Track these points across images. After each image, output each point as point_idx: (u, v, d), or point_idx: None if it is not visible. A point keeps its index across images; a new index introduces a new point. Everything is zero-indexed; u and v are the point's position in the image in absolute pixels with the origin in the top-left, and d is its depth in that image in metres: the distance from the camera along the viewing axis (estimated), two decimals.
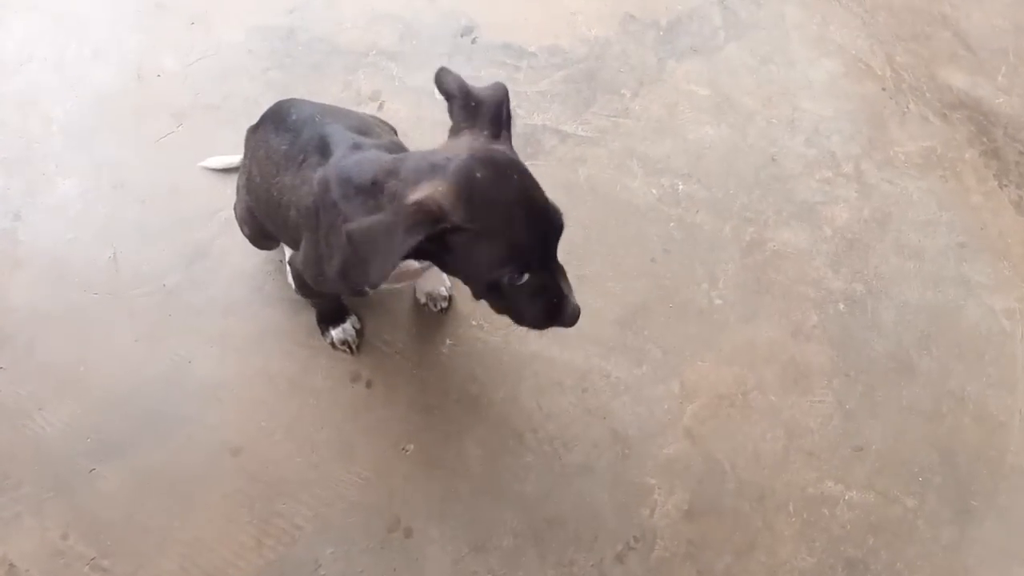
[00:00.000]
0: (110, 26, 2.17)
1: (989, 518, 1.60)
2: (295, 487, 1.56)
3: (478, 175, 1.03)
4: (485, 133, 1.11)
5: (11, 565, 1.47)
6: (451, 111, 1.17)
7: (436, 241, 1.03)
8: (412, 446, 1.62)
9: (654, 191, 1.98)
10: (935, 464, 1.65)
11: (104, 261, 1.79)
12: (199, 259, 1.80)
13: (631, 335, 1.77)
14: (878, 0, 2.38)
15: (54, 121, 2.00)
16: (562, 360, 1.72)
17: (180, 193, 1.89)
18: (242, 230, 1.64)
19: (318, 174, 1.22)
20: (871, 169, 2.07)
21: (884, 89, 2.24)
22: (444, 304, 1.75)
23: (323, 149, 1.28)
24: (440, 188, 1.03)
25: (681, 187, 2.00)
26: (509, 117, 1.15)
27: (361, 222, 1.05)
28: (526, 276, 1.08)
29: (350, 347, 1.69)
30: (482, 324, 1.75)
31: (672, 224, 1.93)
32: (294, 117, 1.40)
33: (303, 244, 1.35)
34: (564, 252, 1.83)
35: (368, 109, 2.00)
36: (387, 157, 1.18)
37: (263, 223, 1.54)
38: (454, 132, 1.15)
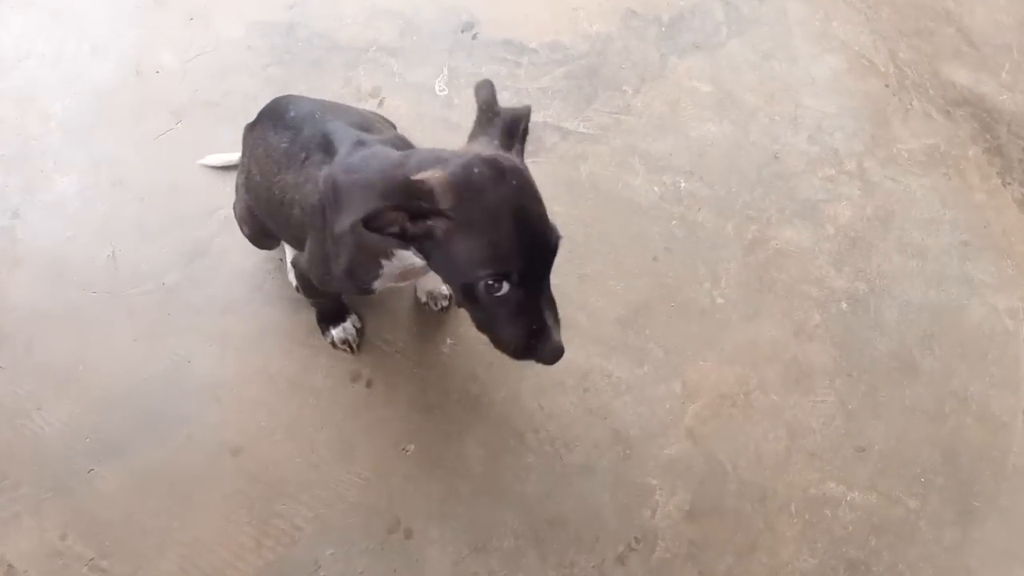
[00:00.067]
0: (109, 22, 2.16)
1: (991, 519, 1.59)
2: (295, 487, 1.55)
3: (476, 170, 1.03)
4: (496, 143, 1.10)
5: (9, 566, 1.47)
6: (476, 120, 1.16)
7: (421, 223, 1.03)
8: (412, 446, 1.61)
9: (656, 189, 1.97)
10: (937, 465, 1.64)
11: (103, 259, 1.78)
12: (198, 257, 1.79)
13: (633, 334, 1.76)
14: None
15: (52, 118, 1.99)
16: (563, 360, 1.70)
17: (179, 191, 1.88)
18: (241, 229, 1.63)
19: (323, 172, 1.21)
20: (874, 166, 2.06)
21: (887, 86, 2.22)
22: (445, 303, 1.74)
23: (326, 146, 1.27)
24: (437, 175, 1.04)
25: (683, 185, 1.98)
26: (525, 134, 1.13)
27: (350, 172, 1.10)
28: (506, 287, 1.04)
29: (350, 346, 1.68)
30: None
31: (674, 222, 1.92)
32: (292, 114, 1.39)
33: (309, 243, 1.34)
34: (566, 251, 1.83)
35: (368, 105, 1.99)
36: (395, 153, 1.16)
37: (264, 222, 1.53)
38: (471, 139, 1.15)
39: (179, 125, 1.99)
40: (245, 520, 1.52)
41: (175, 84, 2.06)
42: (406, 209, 1.01)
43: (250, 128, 1.50)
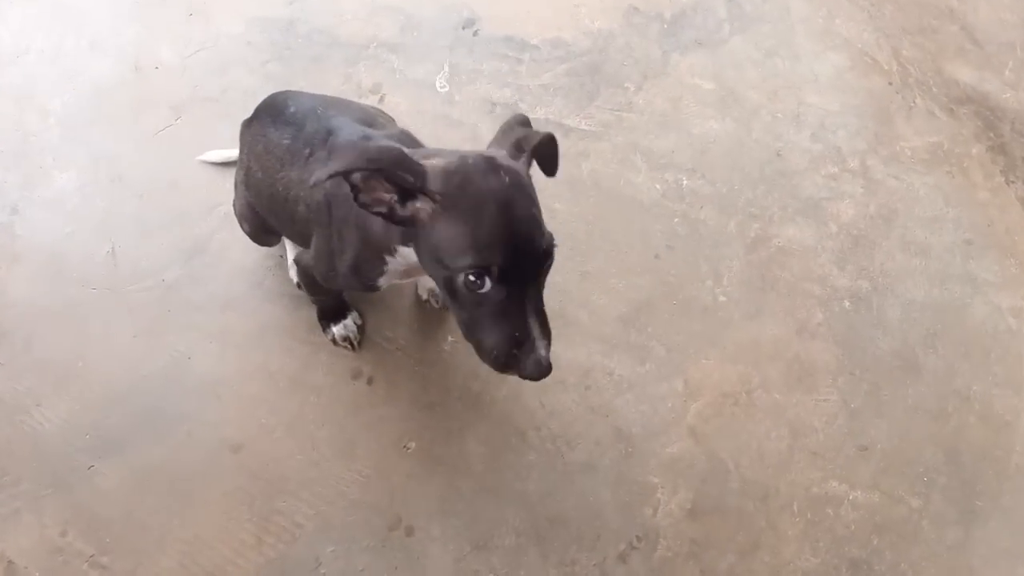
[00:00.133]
0: (108, 17, 2.15)
1: (994, 518, 1.59)
2: (295, 485, 1.55)
3: (470, 161, 1.04)
4: (503, 152, 1.10)
5: (9, 562, 1.46)
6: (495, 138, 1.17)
7: (410, 205, 1.03)
8: (413, 444, 1.60)
9: (658, 186, 1.97)
10: (940, 464, 1.63)
11: (102, 256, 1.78)
12: (198, 254, 1.79)
13: (635, 332, 1.75)
14: None
15: (51, 114, 1.98)
16: (565, 357, 1.71)
17: (179, 187, 1.87)
18: (242, 226, 1.63)
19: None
20: (877, 165, 2.05)
21: (890, 83, 2.21)
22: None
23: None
24: (434, 161, 1.05)
25: (685, 182, 1.98)
26: (534, 153, 1.11)
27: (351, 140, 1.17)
28: (488, 284, 1.01)
29: (351, 343, 1.67)
30: None
31: (676, 220, 1.91)
32: (293, 110, 1.38)
33: (314, 240, 1.33)
34: (567, 248, 1.84)
35: (369, 102, 1.98)
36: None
37: (266, 219, 1.53)
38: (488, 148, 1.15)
39: (178, 121, 1.98)
40: (246, 517, 1.51)
41: (174, 80, 2.05)
42: (392, 178, 1.01)
43: (247, 124, 1.49)
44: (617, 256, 1.85)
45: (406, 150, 1.06)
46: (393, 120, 1.58)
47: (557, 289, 1.79)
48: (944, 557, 1.54)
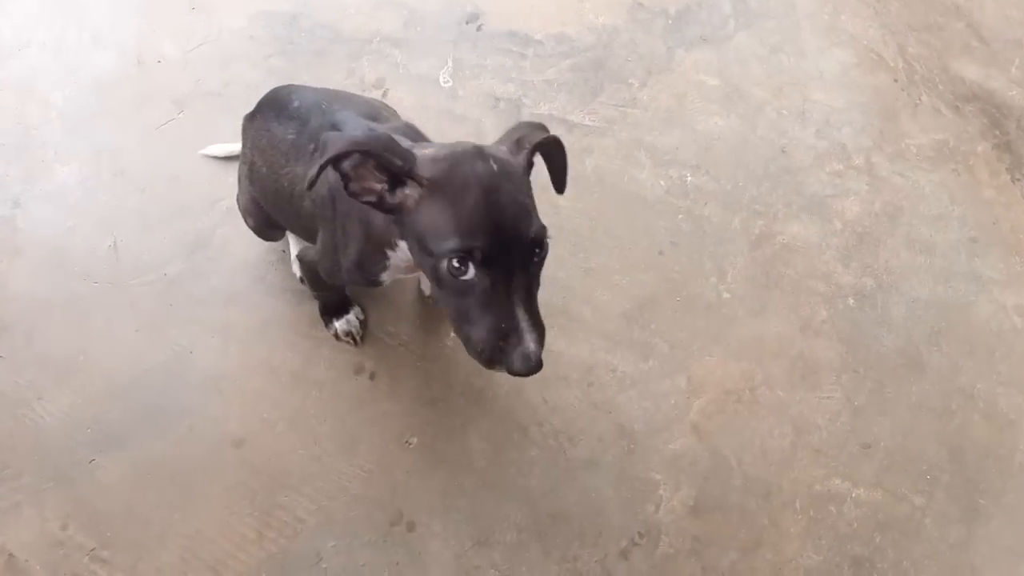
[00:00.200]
0: (110, 11, 2.14)
1: (997, 517, 1.58)
2: (297, 480, 1.54)
3: (460, 150, 1.04)
4: (504, 148, 1.10)
5: (10, 555, 1.46)
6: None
7: (399, 192, 1.03)
8: (416, 439, 1.60)
9: (662, 183, 1.96)
10: (943, 462, 1.63)
11: (104, 250, 1.77)
12: (200, 248, 1.78)
13: (638, 329, 1.74)
14: None
15: (53, 107, 1.97)
16: (568, 354, 1.70)
17: (181, 181, 1.86)
18: (246, 221, 1.62)
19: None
20: (882, 162, 2.04)
21: (896, 80, 2.20)
22: None
23: None
24: (425, 150, 1.05)
25: (690, 179, 1.97)
26: (534, 152, 1.10)
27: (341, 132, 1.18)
28: (471, 271, 0.99)
29: (354, 338, 1.67)
30: None
31: (680, 216, 1.90)
32: (297, 104, 1.37)
33: (320, 235, 1.32)
34: (571, 244, 1.84)
35: (372, 97, 1.97)
36: (406, 143, 1.15)
37: (270, 214, 1.52)
38: None
39: (181, 115, 1.98)
40: (247, 512, 1.51)
41: (177, 74, 2.04)
42: (381, 163, 1.00)
43: (250, 119, 1.49)
44: (621, 252, 1.84)
45: (397, 136, 1.07)
46: (397, 114, 1.57)
47: (560, 285, 1.78)
48: (946, 555, 1.54)
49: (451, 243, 0.99)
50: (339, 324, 1.66)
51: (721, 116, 2.09)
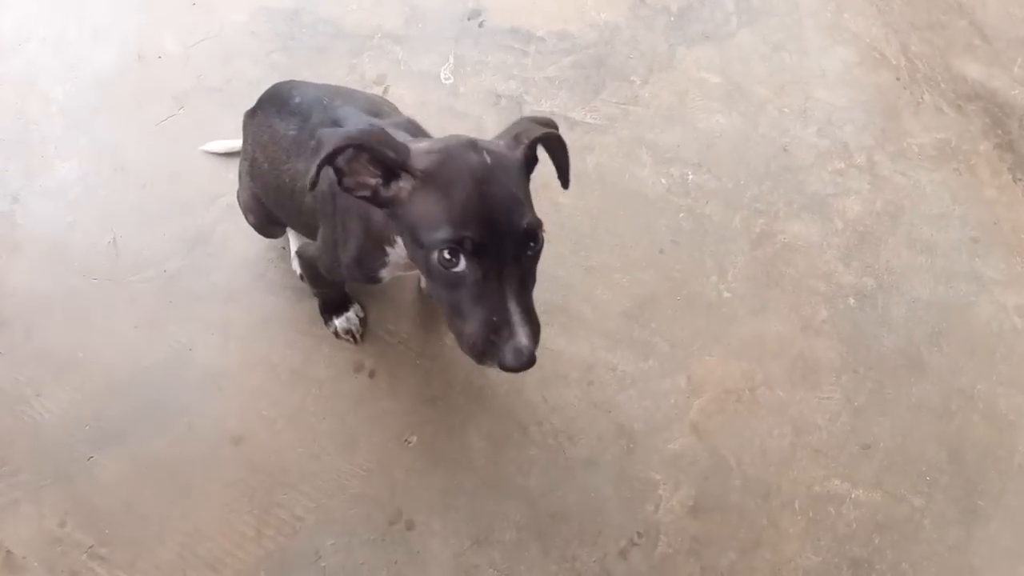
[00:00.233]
0: (111, 6, 2.13)
1: (996, 518, 1.58)
2: (296, 477, 1.54)
3: (453, 142, 1.04)
4: (501, 143, 1.09)
5: (8, 552, 1.46)
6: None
7: (394, 185, 1.03)
8: (415, 438, 1.60)
9: (663, 181, 1.95)
10: (943, 463, 1.63)
11: (104, 246, 1.77)
12: (200, 245, 1.78)
13: (638, 328, 1.74)
14: None
15: (53, 102, 1.97)
16: (568, 352, 1.70)
17: (181, 177, 1.86)
18: (247, 218, 1.61)
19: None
20: (884, 161, 2.03)
21: (898, 79, 2.20)
22: None
23: None
24: (421, 144, 1.06)
25: (691, 177, 1.96)
26: (532, 146, 1.09)
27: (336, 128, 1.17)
28: (463, 262, 0.98)
29: (353, 336, 1.67)
30: None
31: (681, 215, 1.90)
32: (298, 100, 1.37)
33: (320, 231, 1.32)
34: (572, 242, 1.83)
35: (373, 93, 1.97)
36: (406, 138, 1.15)
37: (271, 210, 1.52)
38: None
39: (181, 111, 1.97)
40: (246, 509, 1.51)
41: (178, 70, 2.04)
42: (375, 156, 1.00)
43: (251, 115, 1.48)
44: (621, 251, 1.84)
45: (397, 132, 1.06)
46: (398, 110, 1.57)
47: (561, 283, 1.78)
48: (945, 556, 1.54)
49: (442, 233, 0.98)
50: (339, 322, 1.66)
51: (723, 114, 2.08)
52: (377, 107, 1.37)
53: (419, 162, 1.02)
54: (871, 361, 1.73)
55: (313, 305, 1.69)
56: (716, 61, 2.18)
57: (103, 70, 2.02)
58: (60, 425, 1.57)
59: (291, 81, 1.46)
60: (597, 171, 1.95)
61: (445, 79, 2.08)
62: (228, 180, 1.83)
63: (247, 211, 1.60)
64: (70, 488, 1.51)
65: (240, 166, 1.60)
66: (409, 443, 1.59)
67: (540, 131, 1.10)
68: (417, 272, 1.66)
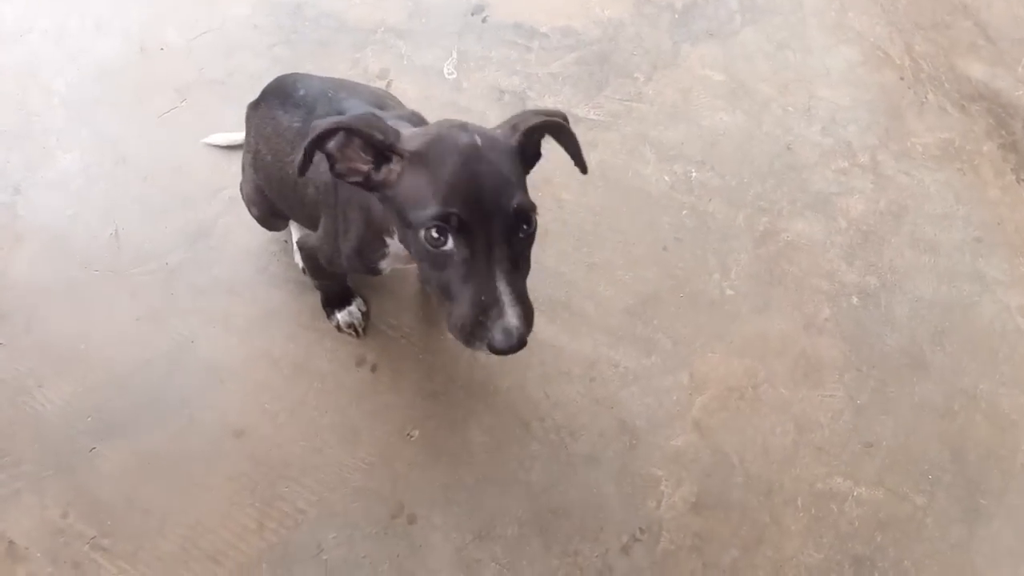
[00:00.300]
0: None
1: (998, 517, 1.58)
2: (298, 471, 1.54)
3: (444, 125, 1.05)
4: (498, 130, 1.09)
5: (10, 542, 1.46)
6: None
7: (384, 169, 1.03)
8: (417, 432, 1.60)
9: (667, 178, 1.95)
10: (945, 462, 1.63)
11: (106, 238, 1.76)
12: (202, 238, 1.77)
13: (641, 324, 1.74)
14: None
15: (55, 94, 1.96)
16: (570, 349, 1.70)
17: (183, 170, 1.85)
18: (250, 210, 1.61)
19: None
20: (888, 160, 2.03)
21: (902, 78, 2.19)
22: None
23: None
24: (416, 130, 1.07)
25: (694, 174, 1.96)
26: (529, 134, 1.09)
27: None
28: (450, 241, 0.98)
29: (356, 330, 1.66)
30: None
31: (684, 212, 1.90)
32: (303, 92, 1.36)
33: (322, 221, 1.32)
34: (575, 239, 1.83)
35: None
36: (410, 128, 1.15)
37: (274, 202, 1.51)
38: None
39: (183, 103, 1.97)
40: (248, 502, 1.51)
41: (180, 62, 2.03)
42: (364, 139, 1.01)
43: (254, 107, 1.48)
44: (624, 248, 1.84)
45: (393, 120, 1.08)
46: (402, 104, 1.56)
47: (564, 280, 1.78)
48: (948, 555, 1.54)
49: (429, 210, 0.98)
50: (341, 316, 1.66)
51: (727, 112, 2.08)
52: (382, 100, 1.37)
53: (408, 144, 1.02)
54: (874, 360, 1.73)
55: (315, 299, 1.69)
56: (720, 59, 2.18)
57: (105, 62, 2.01)
58: (62, 416, 1.57)
59: (295, 73, 1.45)
60: (600, 168, 1.95)
61: (448, 74, 2.08)
62: (230, 173, 1.82)
63: (250, 204, 1.60)
64: (72, 479, 1.51)
65: (243, 158, 1.59)
66: (411, 437, 1.59)
67: (537, 119, 1.09)
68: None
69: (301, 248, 1.50)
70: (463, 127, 1.03)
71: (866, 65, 2.20)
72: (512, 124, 1.09)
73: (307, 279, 1.68)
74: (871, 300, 1.81)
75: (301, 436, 1.57)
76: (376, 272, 1.32)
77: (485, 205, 0.97)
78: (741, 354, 1.72)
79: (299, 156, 1.01)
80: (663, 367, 1.70)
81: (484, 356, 1.66)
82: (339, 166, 1.04)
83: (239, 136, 1.80)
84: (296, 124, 1.33)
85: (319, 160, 1.09)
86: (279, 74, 1.49)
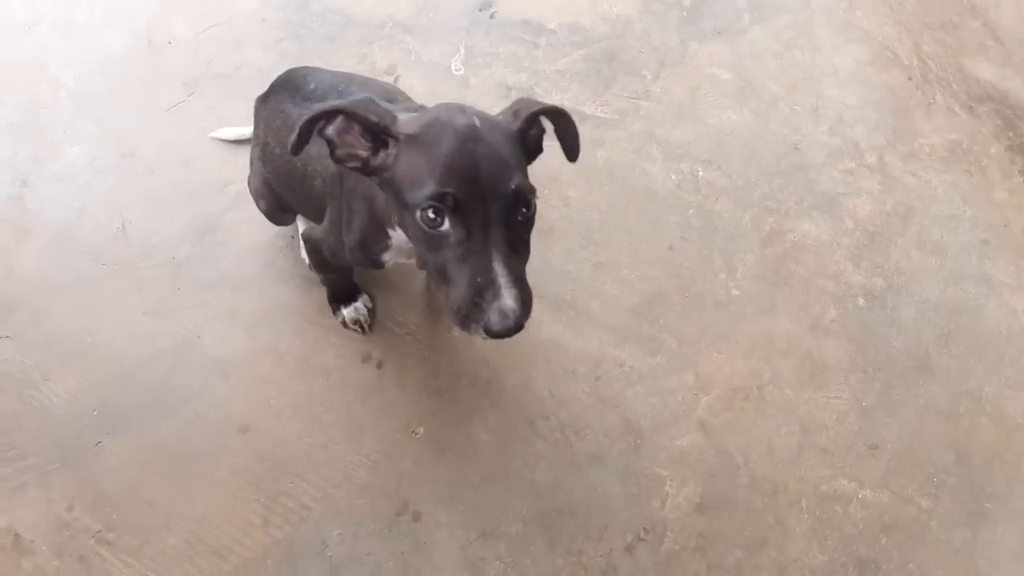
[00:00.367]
0: None
1: (1003, 521, 1.58)
2: (303, 467, 1.54)
3: (442, 108, 1.05)
4: (502, 115, 1.10)
5: (16, 535, 1.46)
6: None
7: (382, 154, 1.04)
8: (422, 429, 1.60)
9: (673, 177, 1.94)
10: (950, 465, 1.63)
11: (113, 231, 1.76)
12: (209, 232, 1.77)
13: (646, 324, 1.74)
14: None
15: (62, 87, 1.96)
16: (575, 347, 1.70)
17: (191, 164, 1.85)
18: (258, 204, 1.61)
19: None
20: (895, 161, 2.03)
21: (910, 79, 2.19)
22: None
23: None
24: (413, 114, 1.08)
25: (701, 173, 1.96)
26: (531, 120, 1.09)
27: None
28: (446, 222, 0.98)
29: (362, 326, 1.66)
30: None
31: (691, 211, 1.89)
32: (313, 86, 1.37)
33: (328, 213, 1.33)
34: (581, 237, 1.83)
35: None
36: None
37: (282, 195, 1.51)
38: None
39: (191, 97, 1.96)
40: (253, 498, 1.51)
41: (187, 55, 2.03)
42: (358, 119, 1.02)
43: (263, 100, 1.48)
44: (630, 246, 1.83)
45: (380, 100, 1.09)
46: (411, 100, 1.56)
47: (569, 278, 1.78)
48: (952, 558, 1.54)
49: (424, 190, 0.97)
50: (347, 312, 1.66)
51: (734, 111, 2.07)
52: (392, 95, 1.37)
53: (406, 128, 1.03)
54: (879, 362, 1.73)
55: (321, 294, 1.69)
56: (728, 57, 2.17)
57: (112, 54, 2.01)
58: (68, 410, 1.57)
59: (305, 67, 1.46)
60: (607, 166, 1.94)
61: (456, 70, 2.07)
62: (237, 167, 1.82)
63: (258, 197, 1.60)
64: (78, 473, 1.51)
65: (251, 152, 1.59)
66: (416, 434, 1.59)
67: (539, 105, 1.10)
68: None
69: (306, 240, 1.50)
70: (462, 109, 1.04)
71: (874, 65, 2.20)
72: (514, 110, 1.10)
73: (313, 275, 1.68)
74: (877, 302, 1.81)
75: (306, 432, 1.58)
76: (379, 265, 1.33)
77: (482, 186, 0.97)
78: (747, 355, 1.72)
79: (294, 135, 1.02)
80: (668, 367, 1.70)
81: (481, 341, 1.64)
82: (339, 151, 1.05)
83: (246, 130, 1.80)
84: None
85: (326, 154, 1.09)
86: (286, 69, 1.48)
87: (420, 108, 1.30)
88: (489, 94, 2.03)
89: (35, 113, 1.91)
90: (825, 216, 1.92)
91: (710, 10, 2.27)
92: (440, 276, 1.02)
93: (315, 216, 1.46)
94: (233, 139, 1.86)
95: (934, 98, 2.16)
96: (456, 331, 1.70)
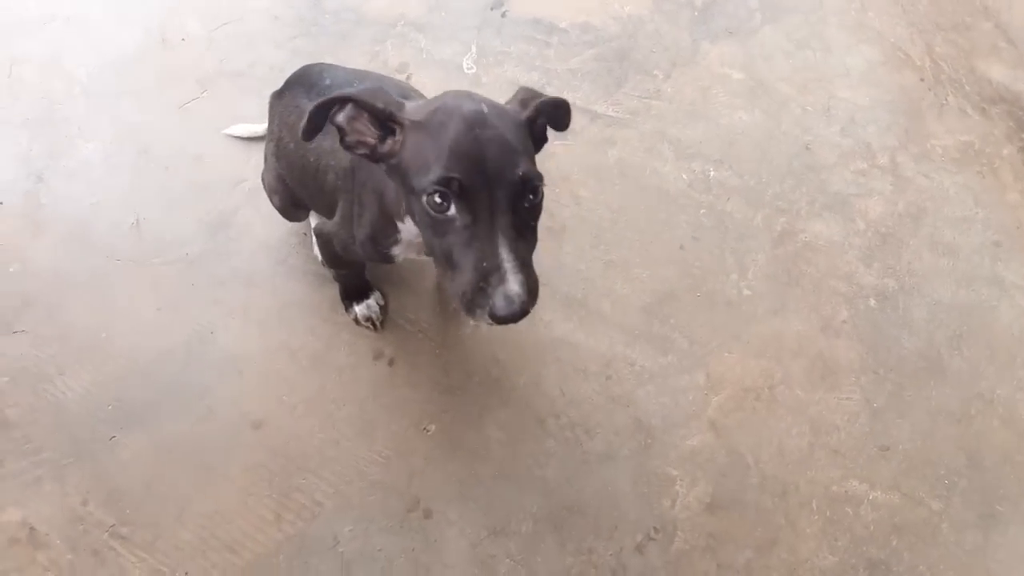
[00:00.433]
0: None
1: (1014, 523, 1.58)
2: (315, 463, 1.55)
3: (450, 94, 1.06)
4: (509, 104, 1.11)
5: (32, 528, 1.47)
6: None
7: (390, 141, 1.05)
8: (434, 426, 1.60)
9: (685, 176, 1.95)
10: (962, 467, 1.62)
11: (127, 227, 1.77)
12: (223, 229, 1.78)
13: (657, 323, 1.74)
14: None
15: (77, 83, 1.97)
16: (586, 346, 1.70)
17: (204, 161, 1.86)
18: (271, 200, 1.62)
19: None
20: (907, 162, 2.02)
21: (923, 80, 2.18)
22: None
23: None
24: (421, 102, 1.10)
25: (712, 173, 1.95)
26: (538, 110, 1.09)
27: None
28: (452, 207, 0.98)
29: (374, 324, 1.67)
30: None
31: (702, 211, 1.89)
32: (328, 82, 1.38)
33: (339, 207, 1.34)
34: (592, 236, 1.83)
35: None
36: None
37: (295, 190, 1.52)
38: None
39: (204, 94, 1.97)
40: (265, 493, 1.52)
41: (201, 53, 2.04)
42: (367, 108, 1.04)
43: (278, 96, 1.49)
44: (641, 246, 1.84)
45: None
46: (424, 97, 1.56)
47: (581, 277, 1.78)
48: (963, 560, 1.54)
49: (431, 175, 0.98)
50: (359, 309, 1.66)
51: (745, 110, 2.07)
52: (406, 92, 1.37)
53: (412, 115, 1.04)
54: (891, 363, 1.73)
55: (334, 291, 1.69)
56: (739, 57, 2.17)
57: (127, 51, 2.02)
58: (82, 404, 1.58)
59: (321, 64, 1.47)
60: (618, 165, 1.95)
61: (467, 69, 2.08)
62: (250, 164, 1.83)
63: (272, 193, 1.61)
64: (92, 467, 1.52)
65: (265, 148, 1.60)
66: (427, 432, 1.60)
67: (545, 96, 1.11)
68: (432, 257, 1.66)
69: (318, 235, 1.51)
70: (470, 96, 1.04)
71: (886, 65, 2.19)
72: (520, 99, 1.11)
73: (326, 272, 1.69)
74: (889, 303, 1.80)
75: (318, 428, 1.58)
76: (389, 260, 1.34)
77: (489, 171, 0.97)
78: (758, 355, 1.72)
79: (304, 120, 1.04)
80: (679, 366, 1.70)
81: (486, 328, 1.67)
82: (348, 139, 1.07)
83: (259, 127, 1.81)
84: None
85: (338, 148, 1.10)
86: (299, 67, 1.49)
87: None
88: (501, 93, 2.00)
89: (50, 109, 1.93)
90: (837, 217, 1.92)
91: (722, 10, 2.27)
92: (446, 261, 1.02)
93: (327, 211, 1.47)
94: (246, 136, 1.87)
95: (946, 99, 2.15)
96: (469, 330, 1.71)
